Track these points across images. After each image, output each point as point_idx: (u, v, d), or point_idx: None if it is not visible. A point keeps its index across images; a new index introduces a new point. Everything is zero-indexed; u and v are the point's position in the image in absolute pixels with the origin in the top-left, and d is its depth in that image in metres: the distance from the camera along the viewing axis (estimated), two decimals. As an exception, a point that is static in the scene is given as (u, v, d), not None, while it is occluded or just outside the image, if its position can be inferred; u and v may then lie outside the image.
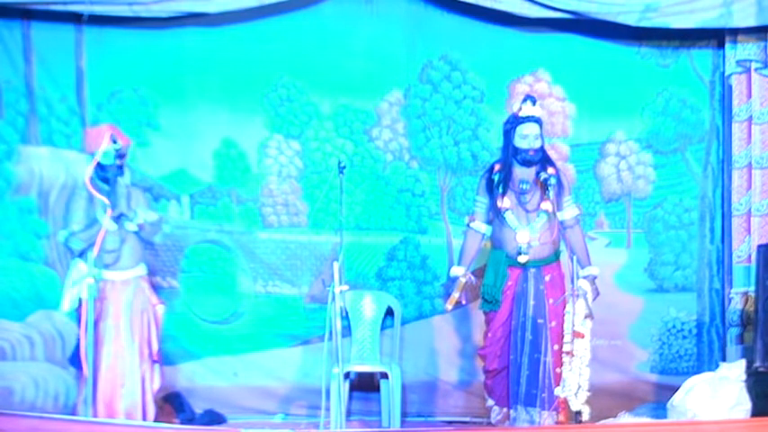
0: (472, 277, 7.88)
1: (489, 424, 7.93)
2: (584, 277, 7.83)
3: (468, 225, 7.97)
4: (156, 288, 8.43)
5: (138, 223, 7.86)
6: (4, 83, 9.02)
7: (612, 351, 9.40)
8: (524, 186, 7.80)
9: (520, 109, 7.84)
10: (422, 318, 9.39)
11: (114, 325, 7.80)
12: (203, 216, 9.26)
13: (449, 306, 7.97)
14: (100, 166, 7.77)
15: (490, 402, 7.90)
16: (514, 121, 7.85)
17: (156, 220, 8.06)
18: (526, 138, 7.80)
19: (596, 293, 7.90)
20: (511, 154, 7.84)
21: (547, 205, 7.81)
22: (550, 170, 7.85)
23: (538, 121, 7.87)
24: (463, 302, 8.04)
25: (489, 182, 7.89)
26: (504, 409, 7.76)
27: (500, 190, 7.79)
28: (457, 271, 7.88)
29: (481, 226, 7.92)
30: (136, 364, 7.83)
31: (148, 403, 7.92)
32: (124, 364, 7.80)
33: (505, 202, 7.76)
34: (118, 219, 7.80)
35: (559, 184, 7.86)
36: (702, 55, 9.55)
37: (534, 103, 7.91)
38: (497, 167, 7.91)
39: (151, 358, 7.93)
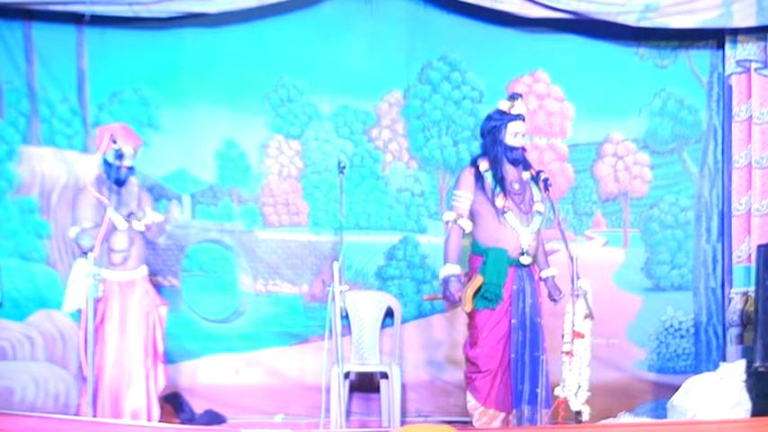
0: (462, 276, 7.85)
1: (470, 424, 7.88)
2: (543, 279, 7.93)
3: (454, 221, 7.80)
4: (157, 287, 8.47)
5: (147, 223, 7.89)
6: (6, 83, 9.03)
7: (610, 350, 9.42)
8: (516, 186, 7.79)
9: (512, 106, 7.77)
10: (421, 317, 9.41)
11: (120, 326, 7.82)
12: (204, 216, 9.27)
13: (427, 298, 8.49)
14: (109, 166, 7.79)
15: (472, 402, 7.76)
16: (504, 118, 7.77)
17: (161, 221, 8.09)
18: (517, 136, 7.78)
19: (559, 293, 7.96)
20: (501, 151, 7.78)
21: (540, 206, 7.82)
22: (532, 171, 7.89)
23: (524, 119, 7.86)
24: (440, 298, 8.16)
25: (477, 178, 7.79)
26: (491, 411, 7.70)
27: (497, 189, 7.72)
28: (454, 269, 7.76)
29: (467, 223, 7.82)
30: (141, 364, 7.87)
31: (153, 403, 7.95)
32: (131, 365, 7.83)
33: (506, 202, 7.72)
34: (128, 218, 7.82)
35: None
36: (701, 55, 9.59)
37: (522, 100, 7.89)
38: (486, 164, 7.79)
39: (157, 359, 7.96)
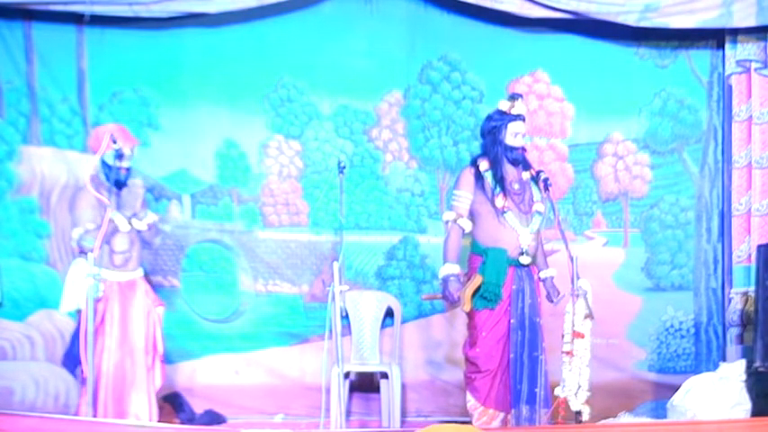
0: (462, 276, 7.84)
1: (469, 423, 7.82)
2: (542, 279, 7.93)
3: (454, 221, 7.80)
4: (156, 287, 8.47)
5: (148, 223, 7.91)
6: (6, 83, 9.02)
7: (610, 350, 9.42)
8: (516, 186, 7.78)
9: (512, 106, 7.77)
10: (421, 317, 9.40)
11: (121, 326, 7.82)
12: (204, 216, 9.26)
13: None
14: (108, 167, 7.79)
15: (472, 402, 7.77)
16: (504, 118, 7.77)
17: (157, 221, 8.12)
18: (517, 136, 7.77)
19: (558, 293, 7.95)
20: (501, 151, 7.77)
21: (540, 206, 7.82)
22: (532, 171, 7.89)
23: (524, 119, 7.86)
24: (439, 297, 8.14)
25: (477, 178, 7.79)
26: (491, 410, 7.70)
27: (497, 189, 7.72)
28: (453, 269, 7.76)
29: (467, 223, 7.81)
30: (143, 364, 7.87)
31: (153, 403, 7.95)
32: (135, 365, 7.84)
33: (506, 202, 7.72)
34: (129, 219, 7.83)
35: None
36: (701, 55, 9.59)
37: (522, 100, 7.89)
38: (486, 164, 7.79)
39: (157, 359, 7.97)
